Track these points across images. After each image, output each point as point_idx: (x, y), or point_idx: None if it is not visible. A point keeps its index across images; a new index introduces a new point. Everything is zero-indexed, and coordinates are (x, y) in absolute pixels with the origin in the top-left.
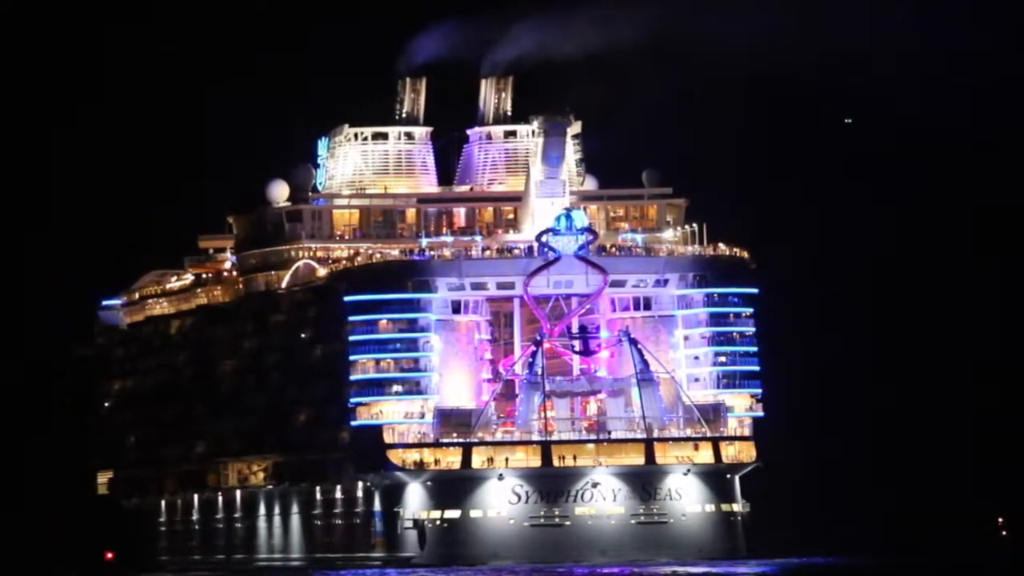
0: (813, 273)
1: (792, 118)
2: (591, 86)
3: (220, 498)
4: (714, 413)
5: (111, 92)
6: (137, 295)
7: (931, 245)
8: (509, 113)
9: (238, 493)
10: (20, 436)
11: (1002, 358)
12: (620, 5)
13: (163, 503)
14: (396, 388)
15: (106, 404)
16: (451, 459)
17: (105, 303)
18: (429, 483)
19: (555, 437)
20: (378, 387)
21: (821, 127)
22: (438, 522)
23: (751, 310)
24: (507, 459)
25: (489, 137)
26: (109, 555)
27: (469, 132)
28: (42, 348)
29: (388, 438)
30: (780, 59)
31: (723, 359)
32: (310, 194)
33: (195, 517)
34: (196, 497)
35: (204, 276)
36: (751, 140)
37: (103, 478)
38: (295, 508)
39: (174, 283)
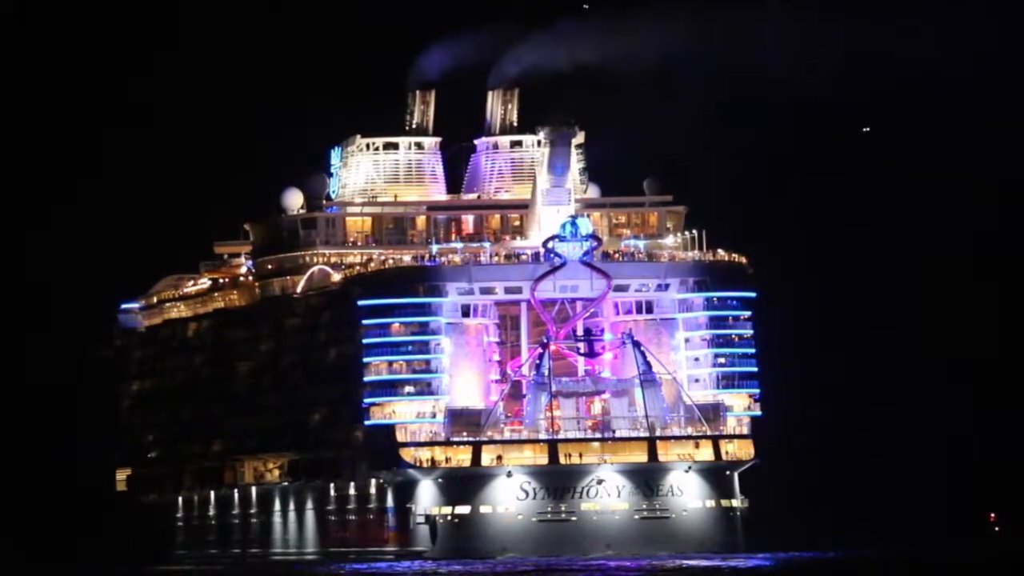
0: (810, 276)
1: (792, 124)
2: (594, 97)
3: (236, 494)
4: (714, 412)
5: (126, 98)
6: (155, 299)
7: (929, 245)
8: (515, 124)
9: (254, 490)
10: (39, 435)
11: (999, 357)
12: (625, 20)
13: (180, 499)
14: (408, 389)
15: (125, 404)
16: (461, 457)
17: (124, 306)
18: (440, 480)
19: (561, 436)
20: (391, 388)
21: (821, 134)
22: (449, 517)
23: (749, 313)
24: (502, 457)
25: (496, 147)
26: None
27: (476, 142)
28: (62, 350)
29: (401, 437)
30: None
31: (722, 360)
32: (324, 202)
33: (212, 513)
34: (213, 493)
35: (221, 281)
36: (750, 145)
37: (122, 475)
38: (309, 504)
39: (191, 287)
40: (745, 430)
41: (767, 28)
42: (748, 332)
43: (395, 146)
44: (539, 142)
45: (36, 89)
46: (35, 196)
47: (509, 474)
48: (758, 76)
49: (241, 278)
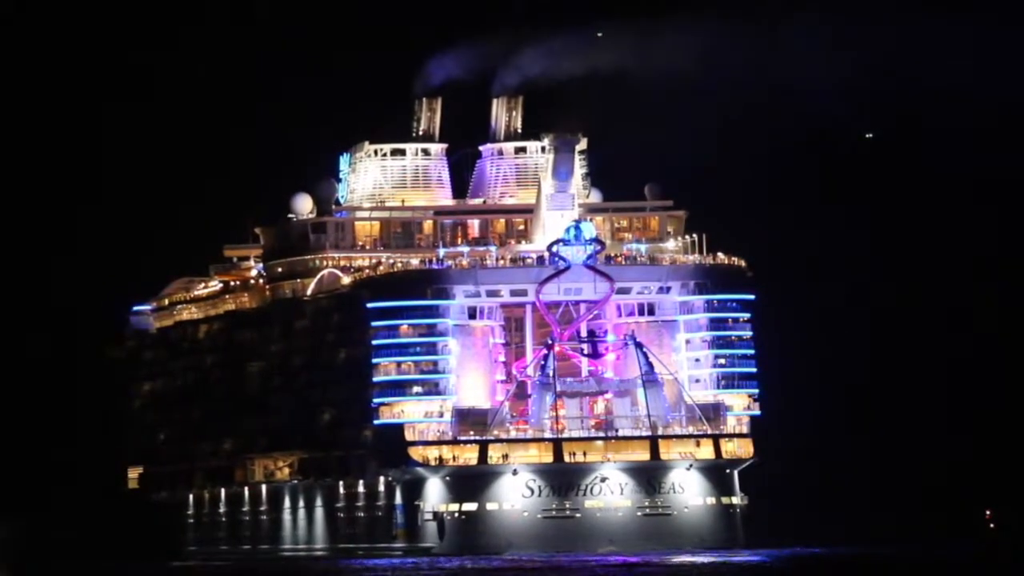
0: (807, 278)
1: (793, 128)
2: (596, 103)
3: (247, 492)
4: (714, 412)
5: (137, 107)
6: (166, 301)
7: (928, 247)
8: (519, 130)
9: (264, 487)
10: (52, 435)
11: (996, 356)
12: (633, 30)
13: (191, 497)
14: (416, 389)
15: (136, 404)
16: (468, 455)
17: (135, 309)
18: (448, 478)
19: (565, 435)
20: (399, 388)
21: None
22: (456, 514)
23: (748, 315)
24: (508, 455)
25: (501, 153)
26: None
27: (482, 148)
28: (76, 351)
29: (409, 436)
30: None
31: (722, 361)
32: (333, 207)
33: (222, 510)
34: (223, 491)
35: (231, 283)
36: (750, 150)
37: (133, 473)
38: (319, 501)
39: (201, 290)
40: (745, 429)
41: (784, 34)
42: (747, 333)
43: (402, 152)
44: (543, 148)
45: (46, 90)
46: (45, 199)
47: (515, 472)
48: (762, 81)
49: (251, 281)
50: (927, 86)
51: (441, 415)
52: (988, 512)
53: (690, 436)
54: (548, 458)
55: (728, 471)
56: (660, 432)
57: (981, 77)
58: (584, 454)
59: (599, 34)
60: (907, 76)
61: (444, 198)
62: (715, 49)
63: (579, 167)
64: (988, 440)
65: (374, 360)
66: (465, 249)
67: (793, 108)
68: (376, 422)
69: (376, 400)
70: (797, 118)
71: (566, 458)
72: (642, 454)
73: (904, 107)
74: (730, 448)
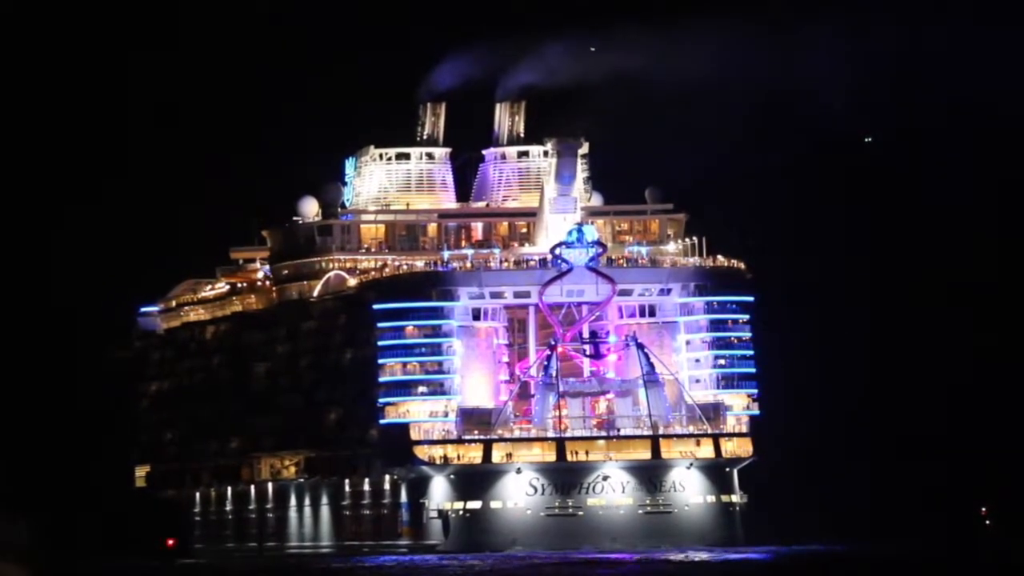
0: (807, 279)
1: (792, 131)
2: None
3: (253, 490)
4: (714, 411)
5: (143, 110)
6: (173, 303)
7: (926, 246)
8: (522, 135)
9: (270, 486)
10: (59, 434)
11: (996, 352)
12: (625, 35)
13: (198, 495)
14: (421, 389)
15: (143, 404)
16: (473, 454)
17: (143, 310)
18: (452, 476)
19: (568, 434)
20: (405, 388)
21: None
22: (461, 512)
23: (747, 316)
24: (511, 454)
25: (503, 157)
26: (170, 542)
27: (485, 152)
28: (83, 352)
29: (414, 435)
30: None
31: (722, 362)
32: (339, 210)
33: (229, 508)
34: (230, 490)
35: (238, 285)
36: (747, 152)
37: (141, 472)
38: (325, 499)
39: (208, 292)
40: (744, 428)
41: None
42: (747, 334)
43: (407, 156)
44: (546, 152)
45: (50, 91)
46: (51, 199)
47: (518, 471)
48: (763, 85)
49: (258, 283)
50: (929, 90)
51: (446, 415)
52: (983, 509)
53: (690, 435)
54: (551, 457)
55: (728, 470)
56: (661, 431)
57: (982, 80)
58: (586, 453)
59: (592, 48)
60: (909, 79)
61: (448, 201)
62: (717, 54)
63: (581, 171)
64: (986, 436)
65: (380, 360)
66: (469, 251)
67: (793, 111)
68: (382, 421)
69: (382, 400)
70: (798, 120)
71: (569, 457)
72: (643, 453)
73: (905, 110)
74: (730, 447)
